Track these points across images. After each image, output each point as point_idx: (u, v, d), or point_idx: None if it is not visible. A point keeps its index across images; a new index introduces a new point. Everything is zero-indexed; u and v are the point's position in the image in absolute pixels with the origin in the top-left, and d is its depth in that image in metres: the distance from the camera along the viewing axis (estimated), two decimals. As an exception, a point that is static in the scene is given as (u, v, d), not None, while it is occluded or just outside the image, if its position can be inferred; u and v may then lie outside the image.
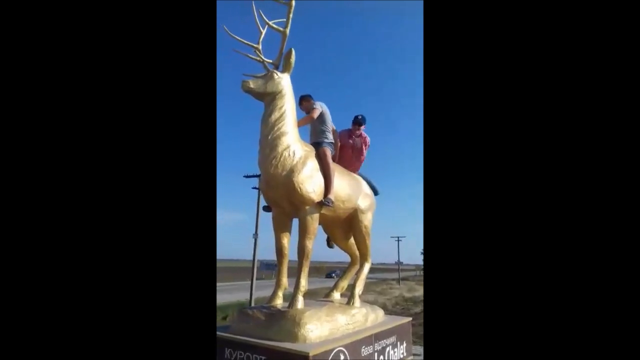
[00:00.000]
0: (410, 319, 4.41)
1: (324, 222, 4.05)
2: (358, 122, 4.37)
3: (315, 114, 3.87)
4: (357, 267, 4.40)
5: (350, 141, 4.36)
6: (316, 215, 3.39)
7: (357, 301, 3.80)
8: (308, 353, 2.54)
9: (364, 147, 4.46)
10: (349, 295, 3.95)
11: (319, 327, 2.97)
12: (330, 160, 3.58)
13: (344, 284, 4.40)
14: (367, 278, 4.48)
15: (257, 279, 16.91)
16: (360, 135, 4.42)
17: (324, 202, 3.33)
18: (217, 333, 2.95)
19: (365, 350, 3.23)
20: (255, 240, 17.45)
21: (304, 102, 4.09)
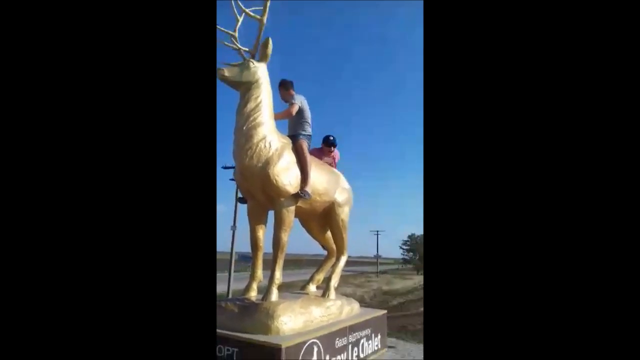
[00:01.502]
0: (385, 311, 4.46)
1: (300, 215, 4.03)
2: (330, 143, 4.45)
3: (294, 110, 3.80)
4: (333, 260, 4.41)
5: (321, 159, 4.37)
6: (292, 208, 3.36)
7: (332, 294, 3.81)
8: (281, 345, 2.53)
9: (333, 164, 4.54)
10: (324, 287, 3.96)
11: (292, 319, 2.96)
12: (307, 153, 3.55)
13: (320, 276, 4.42)
14: (346, 271, 4.52)
15: (234, 271, 16.72)
16: (330, 155, 4.48)
17: (301, 194, 3.31)
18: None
19: (339, 342, 3.25)
20: (233, 232, 17.24)
21: (283, 89, 4.01)
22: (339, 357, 3.22)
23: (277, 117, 3.79)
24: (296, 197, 3.34)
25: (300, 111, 3.90)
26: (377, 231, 43.96)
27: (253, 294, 3.38)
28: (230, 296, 15.09)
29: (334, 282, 3.97)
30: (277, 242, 3.31)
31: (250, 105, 3.28)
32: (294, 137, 3.70)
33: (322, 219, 4.23)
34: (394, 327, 6.11)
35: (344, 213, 4.12)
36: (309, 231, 4.67)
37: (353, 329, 3.51)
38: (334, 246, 4.38)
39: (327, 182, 3.87)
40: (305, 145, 3.61)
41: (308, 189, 3.39)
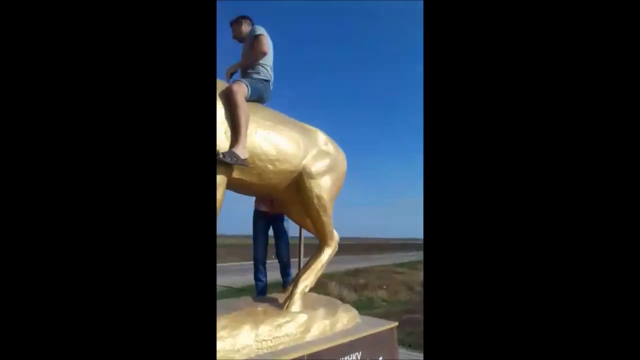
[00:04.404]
0: (396, 323, 3.18)
1: (257, 194, 2.93)
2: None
3: (264, 45, 2.79)
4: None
5: None
6: (220, 180, 2.27)
7: (296, 304, 2.62)
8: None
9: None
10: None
11: (202, 349, 1.89)
12: (240, 100, 2.38)
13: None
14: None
15: (304, 257, 15.54)
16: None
17: (223, 158, 2.18)
18: None
19: (288, 382, 2.11)
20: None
21: (242, 25, 3.02)
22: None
23: (236, 67, 2.96)
24: (225, 165, 2.24)
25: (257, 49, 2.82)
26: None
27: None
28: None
29: (303, 286, 2.76)
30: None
31: None
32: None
33: (298, 198, 3.07)
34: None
35: (321, 187, 2.88)
36: (289, 216, 3.53)
37: (318, 356, 2.32)
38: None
39: (287, 142, 2.68)
40: (239, 89, 2.44)
41: (238, 150, 2.26)
